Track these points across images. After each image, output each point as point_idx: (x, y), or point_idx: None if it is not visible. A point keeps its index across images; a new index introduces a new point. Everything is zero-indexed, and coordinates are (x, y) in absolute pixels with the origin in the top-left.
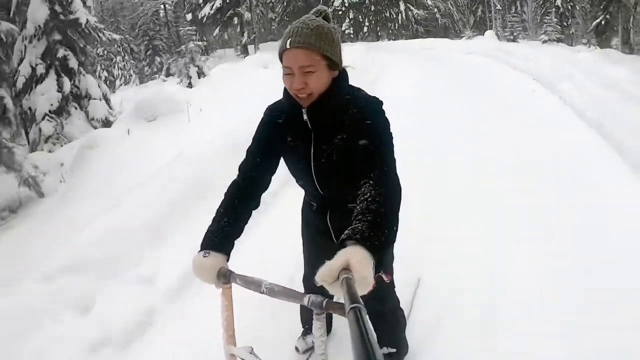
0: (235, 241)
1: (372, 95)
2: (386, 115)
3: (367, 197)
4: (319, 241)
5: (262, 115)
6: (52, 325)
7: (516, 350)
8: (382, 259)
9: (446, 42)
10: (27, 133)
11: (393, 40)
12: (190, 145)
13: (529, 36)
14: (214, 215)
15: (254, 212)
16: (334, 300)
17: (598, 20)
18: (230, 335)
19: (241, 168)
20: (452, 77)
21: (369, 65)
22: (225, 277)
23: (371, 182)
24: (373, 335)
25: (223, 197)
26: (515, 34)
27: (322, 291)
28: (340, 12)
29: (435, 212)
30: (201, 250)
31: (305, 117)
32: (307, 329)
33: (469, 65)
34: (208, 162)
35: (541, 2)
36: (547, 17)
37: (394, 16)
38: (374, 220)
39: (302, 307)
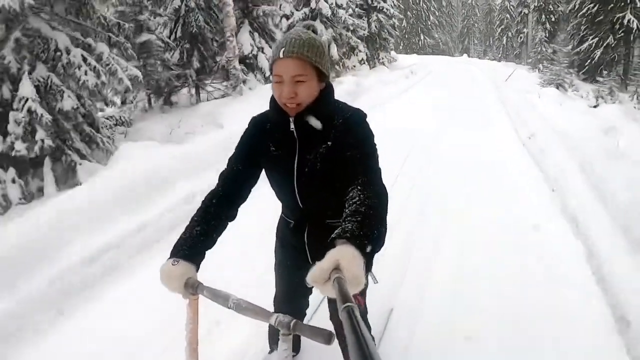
0: (207, 252)
1: (357, 107)
2: (370, 126)
3: (356, 201)
4: (293, 262)
5: (247, 126)
6: None
7: None
8: (372, 259)
9: (447, 57)
10: None
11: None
12: None
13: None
14: (188, 222)
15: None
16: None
17: (516, 52)
18: (193, 348)
19: (221, 177)
20: (452, 65)
21: (427, 63)
22: (193, 288)
23: (359, 187)
24: (367, 333)
25: (200, 205)
26: (479, 56)
27: (292, 313)
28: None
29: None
30: (170, 257)
31: (292, 126)
32: (274, 350)
33: (458, 63)
34: None
35: (496, 38)
36: (496, 49)
37: (417, 41)
38: (364, 221)
39: (270, 326)
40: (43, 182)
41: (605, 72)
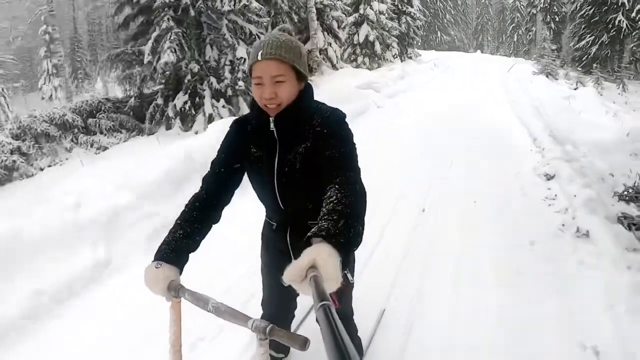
0: (191, 255)
1: (336, 107)
2: (349, 126)
3: (333, 200)
4: (278, 264)
5: (229, 129)
6: None
7: None
8: (348, 257)
9: (462, 53)
10: None
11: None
12: None
13: (500, 52)
14: (172, 225)
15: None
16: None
17: (525, 48)
18: (177, 350)
19: (204, 180)
20: (466, 58)
21: (445, 58)
22: (175, 291)
23: (337, 186)
24: (343, 330)
25: (183, 208)
26: (492, 52)
27: (280, 316)
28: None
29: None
30: (154, 260)
31: (272, 126)
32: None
33: (470, 56)
34: None
35: (508, 36)
36: (508, 46)
37: (434, 38)
38: (340, 220)
39: None
40: (239, 109)
41: (596, 66)
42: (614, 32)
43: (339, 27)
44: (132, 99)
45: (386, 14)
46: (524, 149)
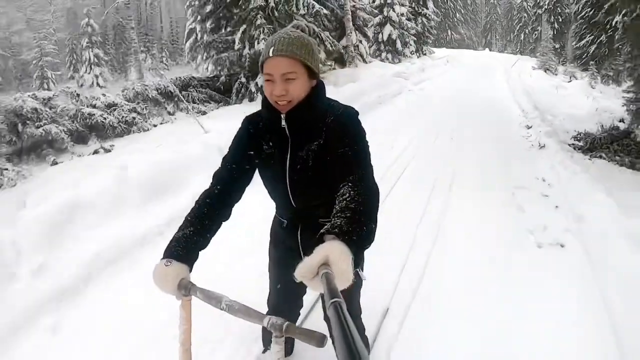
0: (200, 252)
1: (349, 105)
2: (362, 124)
3: (346, 197)
4: (287, 261)
5: (240, 125)
6: None
7: None
8: (360, 255)
9: (471, 51)
10: None
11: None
12: None
13: (508, 50)
14: (181, 222)
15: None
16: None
17: (531, 47)
18: (186, 349)
19: (215, 176)
20: (475, 55)
21: (456, 55)
22: (185, 289)
23: (350, 184)
24: (354, 327)
25: (194, 205)
26: (500, 50)
27: (286, 313)
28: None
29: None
30: (163, 258)
31: (283, 122)
32: (268, 350)
33: (479, 54)
34: None
35: (515, 35)
36: (515, 44)
37: (445, 36)
38: (353, 217)
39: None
40: None
41: (592, 63)
42: (611, 32)
43: (365, 25)
44: (223, 77)
45: (405, 16)
46: (514, 115)
